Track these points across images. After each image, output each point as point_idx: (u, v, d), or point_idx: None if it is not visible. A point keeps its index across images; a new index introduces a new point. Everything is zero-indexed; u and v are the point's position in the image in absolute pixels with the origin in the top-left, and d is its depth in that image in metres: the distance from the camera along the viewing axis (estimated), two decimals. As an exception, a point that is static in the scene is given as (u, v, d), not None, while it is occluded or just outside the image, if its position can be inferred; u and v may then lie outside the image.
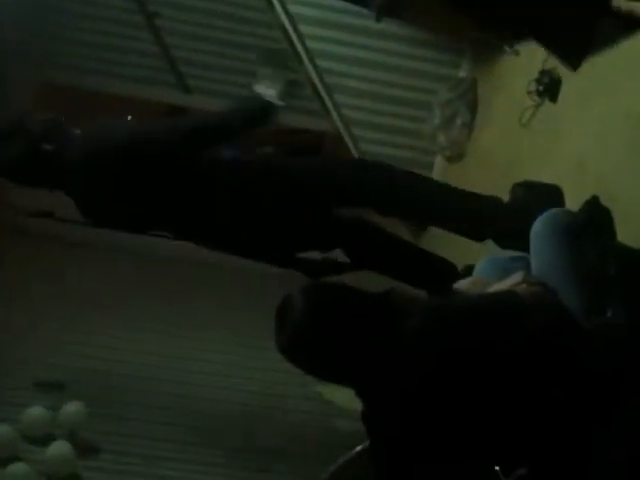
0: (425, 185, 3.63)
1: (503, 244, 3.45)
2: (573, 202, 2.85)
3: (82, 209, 3.35)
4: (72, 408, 3.85)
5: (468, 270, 3.04)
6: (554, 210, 2.59)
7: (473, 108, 4.85)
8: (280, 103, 3.47)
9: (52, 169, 3.27)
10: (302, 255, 3.49)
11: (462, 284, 2.68)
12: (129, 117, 5.76)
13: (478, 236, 3.58)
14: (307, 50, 5.07)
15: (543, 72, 3.94)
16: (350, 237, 3.50)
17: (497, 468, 2.17)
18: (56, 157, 3.25)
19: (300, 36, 5.05)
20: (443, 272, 3.53)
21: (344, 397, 3.41)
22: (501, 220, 3.47)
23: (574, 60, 3.51)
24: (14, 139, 3.25)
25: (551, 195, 3.46)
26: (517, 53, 4.39)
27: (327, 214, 3.42)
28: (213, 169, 3.28)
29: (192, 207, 3.27)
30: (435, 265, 3.64)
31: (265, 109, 3.47)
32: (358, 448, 2.97)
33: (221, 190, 3.27)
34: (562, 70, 3.84)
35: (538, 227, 2.55)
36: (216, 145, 3.31)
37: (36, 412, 3.87)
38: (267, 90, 3.49)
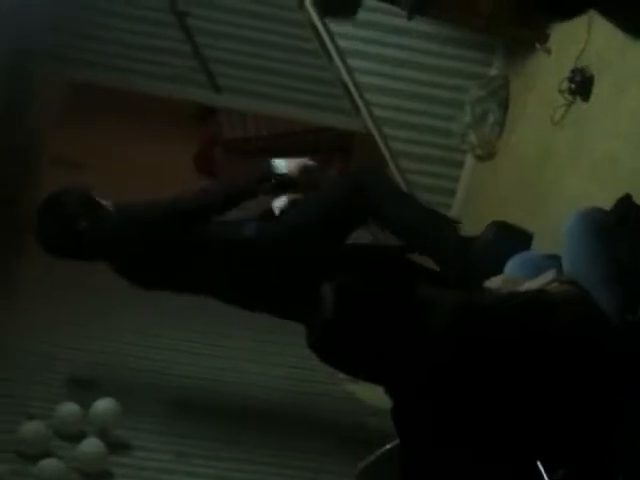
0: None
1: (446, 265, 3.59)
2: (605, 200, 2.83)
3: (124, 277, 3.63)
4: (104, 405, 3.87)
5: None
6: (586, 208, 2.58)
7: (504, 106, 4.82)
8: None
9: (88, 245, 3.56)
10: None
11: (493, 282, 2.68)
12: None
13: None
14: (338, 48, 5.07)
15: (575, 70, 3.91)
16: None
17: (540, 465, 2.15)
18: (91, 234, 3.53)
19: (331, 34, 5.05)
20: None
21: (374, 395, 3.40)
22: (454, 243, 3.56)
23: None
24: (51, 218, 3.55)
25: (519, 240, 3.56)
26: (549, 51, 4.37)
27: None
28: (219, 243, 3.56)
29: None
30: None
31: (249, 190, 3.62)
32: (388, 446, 2.97)
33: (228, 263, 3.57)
34: (594, 68, 3.82)
35: (570, 224, 2.54)
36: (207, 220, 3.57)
37: (68, 409, 3.89)
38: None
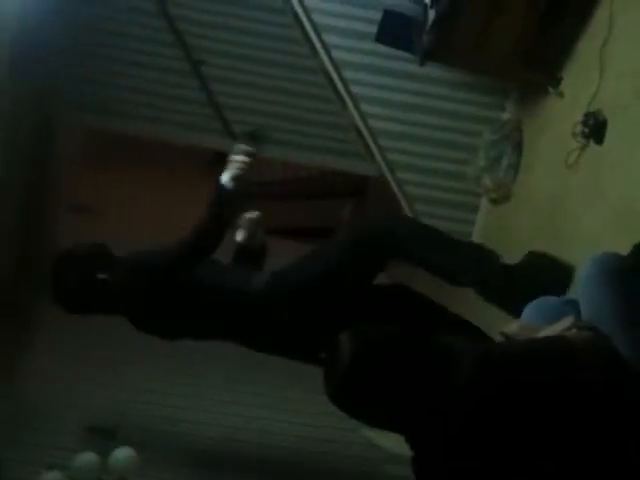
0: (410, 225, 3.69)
1: (486, 296, 3.51)
2: (621, 245, 2.83)
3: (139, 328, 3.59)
4: (122, 454, 3.86)
5: None
6: (603, 253, 2.57)
7: (518, 150, 4.84)
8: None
9: (108, 296, 3.51)
10: None
11: (511, 328, 2.67)
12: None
13: (455, 281, 3.60)
14: (351, 95, 5.12)
15: (588, 114, 3.93)
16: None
17: None
18: (110, 283, 3.50)
19: (344, 81, 5.10)
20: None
21: (393, 442, 3.39)
22: (494, 273, 3.52)
23: None
24: (68, 274, 3.50)
25: (559, 273, 3.54)
26: (561, 95, 4.39)
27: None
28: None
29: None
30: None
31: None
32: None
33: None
34: (607, 112, 3.83)
35: (587, 270, 2.54)
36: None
37: (86, 458, 3.88)
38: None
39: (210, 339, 3.67)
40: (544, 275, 3.65)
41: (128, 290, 3.49)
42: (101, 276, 3.49)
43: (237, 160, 3.49)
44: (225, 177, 3.48)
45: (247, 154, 3.51)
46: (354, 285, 3.49)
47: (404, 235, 3.54)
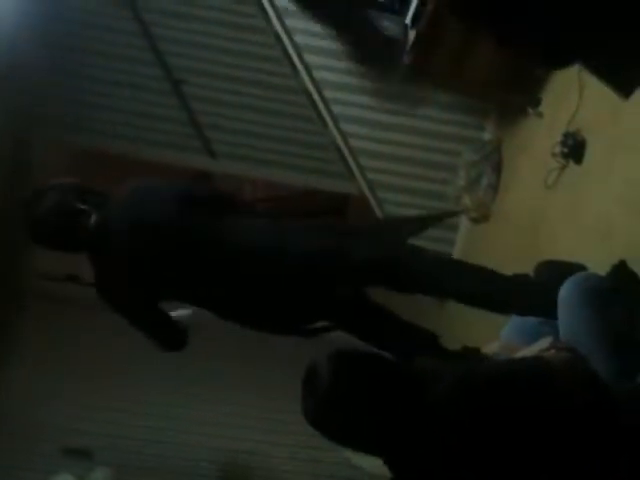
0: (445, 262, 3.60)
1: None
2: (600, 266, 2.84)
3: (106, 272, 3.26)
4: (100, 475, 3.83)
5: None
6: (581, 274, 2.58)
7: (498, 170, 4.86)
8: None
9: (83, 229, 3.19)
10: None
11: (490, 348, 2.67)
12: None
13: (501, 310, 3.52)
14: (332, 114, 5.13)
15: (567, 134, 3.95)
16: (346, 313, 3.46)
17: None
18: (88, 216, 3.19)
19: (325, 100, 5.11)
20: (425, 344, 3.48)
21: (372, 463, 3.37)
22: (524, 294, 3.43)
23: (626, 88, 3.40)
24: (46, 197, 3.20)
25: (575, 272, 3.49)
26: (541, 115, 4.41)
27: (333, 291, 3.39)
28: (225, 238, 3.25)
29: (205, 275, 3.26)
30: (419, 338, 3.58)
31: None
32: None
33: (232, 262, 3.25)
34: (586, 132, 3.85)
35: (565, 291, 2.54)
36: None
37: (63, 479, 3.85)
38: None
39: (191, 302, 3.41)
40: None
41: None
42: (80, 206, 3.19)
43: None
44: None
45: None
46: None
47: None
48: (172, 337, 3.36)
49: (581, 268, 3.39)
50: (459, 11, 3.62)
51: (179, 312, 3.39)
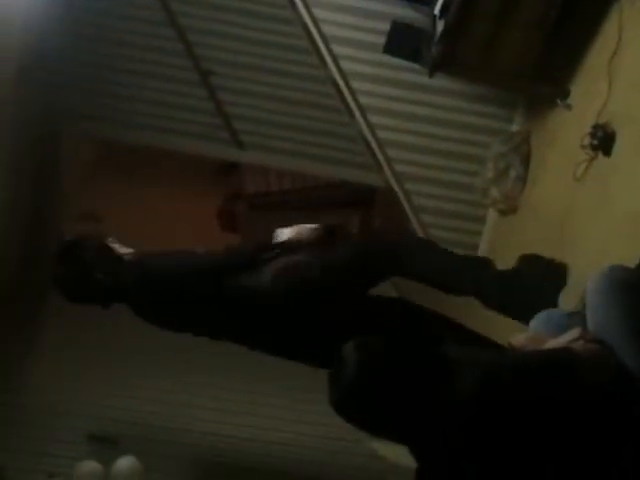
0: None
1: (486, 304, 3.52)
2: (629, 257, 2.81)
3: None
4: (125, 462, 3.86)
5: None
6: (611, 266, 2.55)
7: (526, 162, 4.83)
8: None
9: (103, 293, 3.53)
10: None
11: (518, 339, 2.65)
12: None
13: (456, 291, 3.62)
14: (359, 105, 5.12)
15: (596, 126, 3.92)
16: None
17: None
18: (107, 284, 3.51)
19: (352, 92, 5.10)
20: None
21: (398, 454, 3.37)
22: (488, 281, 3.53)
23: None
24: (69, 262, 3.53)
25: (555, 272, 3.54)
26: (569, 107, 4.38)
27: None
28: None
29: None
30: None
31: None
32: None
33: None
34: (616, 124, 3.82)
35: (595, 282, 2.52)
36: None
37: (88, 466, 3.88)
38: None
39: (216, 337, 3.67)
40: (538, 276, 3.68)
41: (151, 291, 3.52)
42: (98, 276, 3.51)
43: None
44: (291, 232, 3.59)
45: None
46: (348, 287, 3.51)
47: (406, 254, 3.59)
48: None
49: (562, 268, 3.46)
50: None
51: None
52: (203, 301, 3.48)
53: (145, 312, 3.57)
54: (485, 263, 3.76)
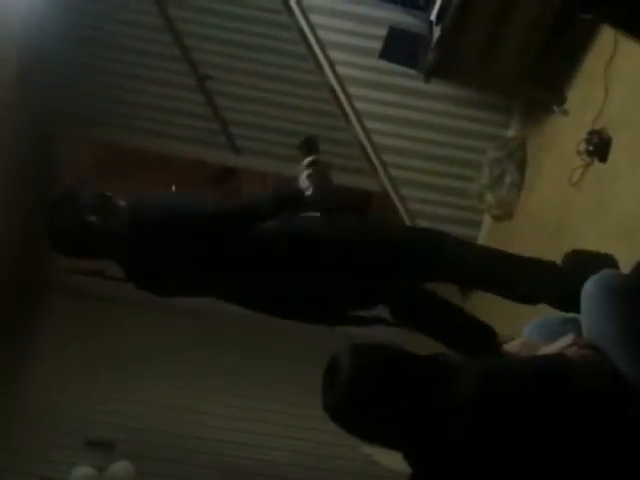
0: (476, 251, 3.63)
1: (557, 307, 3.43)
2: (624, 263, 2.82)
3: (130, 277, 3.36)
4: (120, 467, 3.85)
5: None
6: (605, 272, 2.56)
7: (522, 167, 4.84)
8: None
9: (96, 241, 3.29)
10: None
11: (512, 346, 2.66)
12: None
13: (530, 300, 3.52)
14: (355, 110, 5.12)
15: (592, 132, 3.93)
16: (397, 298, 3.50)
17: None
18: (100, 229, 3.27)
19: (349, 97, 5.11)
20: (484, 339, 3.50)
21: (393, 459, 3.36)
22: (554, 283, 3.42)
23: None
24: (62, 210, 3.29)
25: (606, 263, 3.45)
26: (566, 113, 4.39)
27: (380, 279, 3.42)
28: (271, 235, 3.31)
29: (242, 272, 3.31)
30: (478, 332, 3.60)
31: (293, 195, 3.51)
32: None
33: (275, 256, 3.31)
34: (612, 130, 3.83)
35: (589, 289, 2.52)
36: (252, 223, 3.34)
37: (83, 472, 3.87)
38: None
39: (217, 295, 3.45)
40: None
41: (161, 240, 3.24)
42: (92, 219, 3.27)
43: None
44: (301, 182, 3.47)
45: (311, 164, 3.53)
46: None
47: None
48: None
49: (609, 258, 3.37)
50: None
51: None
52: (225, 247, 3.25)
53: (144, 264, 3.28)
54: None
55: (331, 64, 5.07)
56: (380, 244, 3.41)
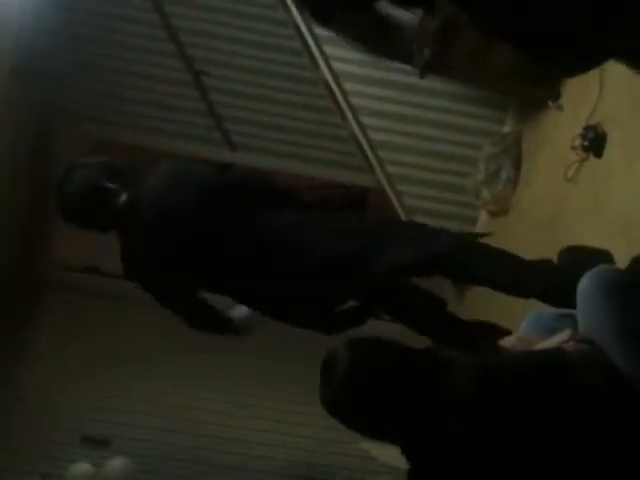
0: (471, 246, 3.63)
1: (550, 302, 3.43)
2: (620, 259, 2.83)
3: (130, 253, 3.27)
4: (117, 464, 3.86)
5: None
6: (601, 267, 2.56)
7: (517, 163, 4.84)
8: None
9: (112, 208, 3.21)
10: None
11: (508, 341, 2.66)
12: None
13: (523, 293, 3.52)
14: (351, 106, 5.12)
15: (587, 127, 3.93)
16: (391, 296, 3.49)
17: None
18: (117, 196, 3.20)
19: (344, 93, 5.10)
20: (476, 338, 3.49)
21: (390, 454, 3.37)
22: (548, 279, 3.43)
23: None
24: (76, 176, 3.22)
25: (602, 259, 3.46)
26: (561, 108, 4.40)
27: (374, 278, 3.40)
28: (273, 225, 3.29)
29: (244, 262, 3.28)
30: (470, 332, 3.60)
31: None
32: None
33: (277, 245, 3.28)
34: (607, 125, 3.84)
35: (585, 284, 2.53)
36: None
37: (80, 468, 3.88)
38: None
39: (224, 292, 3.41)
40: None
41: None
42: (108, 185, 3.19)
43: None
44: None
45: None
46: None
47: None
48: (202, 319, 3.36)
49: (605, 254, 3.37)
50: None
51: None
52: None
53: (158, 237, 3.17)
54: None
55: (326, 60, 5.06)
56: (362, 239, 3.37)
